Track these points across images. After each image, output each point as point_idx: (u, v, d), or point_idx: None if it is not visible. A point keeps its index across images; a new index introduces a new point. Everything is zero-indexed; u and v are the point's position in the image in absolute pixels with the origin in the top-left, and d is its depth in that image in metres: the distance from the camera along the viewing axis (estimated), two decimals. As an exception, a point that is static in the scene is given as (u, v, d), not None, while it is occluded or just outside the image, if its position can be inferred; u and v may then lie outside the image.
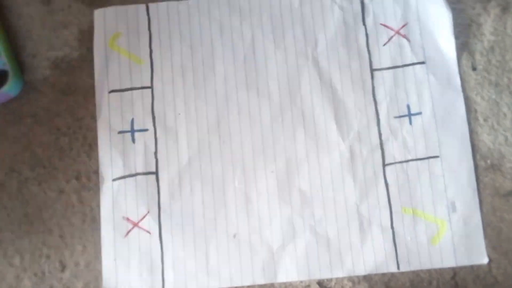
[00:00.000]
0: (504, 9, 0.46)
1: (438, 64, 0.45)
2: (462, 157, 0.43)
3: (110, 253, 0.42)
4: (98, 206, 0.42)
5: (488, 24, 0.46)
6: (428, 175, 0.43)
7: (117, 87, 0.44)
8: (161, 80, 0.45)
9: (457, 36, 0.45)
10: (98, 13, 0.45)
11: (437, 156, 0.43)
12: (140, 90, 0.44)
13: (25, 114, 0.44)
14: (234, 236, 0.42)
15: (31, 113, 0.44)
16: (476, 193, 0.43)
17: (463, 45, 0.46)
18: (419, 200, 0.42)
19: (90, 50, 0.45)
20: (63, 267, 0.42)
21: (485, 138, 0.44)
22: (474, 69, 0.45)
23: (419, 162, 0.43)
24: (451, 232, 0.42)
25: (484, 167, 0.44)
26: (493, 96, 0.45)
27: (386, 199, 0.42)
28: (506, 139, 0.44)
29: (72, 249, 0.42)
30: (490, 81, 0.45)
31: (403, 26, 0.45)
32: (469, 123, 0.44)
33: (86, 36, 0.45)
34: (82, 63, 0.45)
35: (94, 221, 0.42)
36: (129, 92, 0.44)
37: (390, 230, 0.42)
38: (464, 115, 0.44)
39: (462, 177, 0.43)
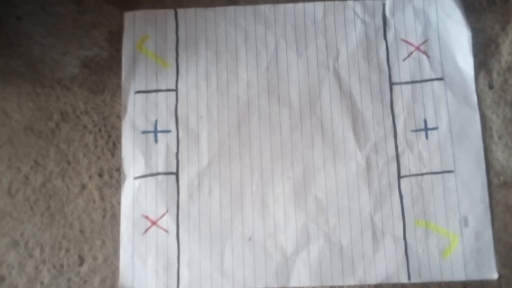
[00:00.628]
0: (522, 31, 0.46)
1: (456, 81, 0.45)
2: (476, 173, 0.43)
3: (128, 250, 0.42)
4: (119, 203, 0.42)
5: (506, 44, 0.46)
6: (442, 189, 0.42)
7: (143, 88, 0.45)
8: (186, 83, 0.45)
9: (475, 55, 0.45)
10: (128, 16, 0.46)
11: (451, 171, 0.43)
12: (165, 92, 0.44)
13: (52, 110, 0.44)
14: (250, 239, 0.42)
15: (59, 109, 0.44)
16: (488, 209, 0.42)
17: (481, 64, 0.45)
18: (432, 213, 0.42)
19: (118, 51, 0.45)
20: (81, 261, 0.42)
21: (499, 155, 0.44)
22: (491, 87, 0.45)
23: (433, 176, 0.42)
24: (463, 246, 0.41)
25: (497, 184, 0.43)
26: (509, 115, 0.45)
27: (400, 211, 0.42)
28: (519, 157, 0.44)
29: (91, 244, 0.42)
30: (506, 101, 0.45)
31: (424, 42, 0.45)
32: (484, 141, 0.44)
33: (116, 38, 0.46)
34: (110, 63, 0.45)
35: (114, 217, 0.42)
36: (154, 93, 0.44)
37: (403, 241, 0.42)
38: (479, 132, 0.44)
39: (476, 192, 0.43)
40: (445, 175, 0.43)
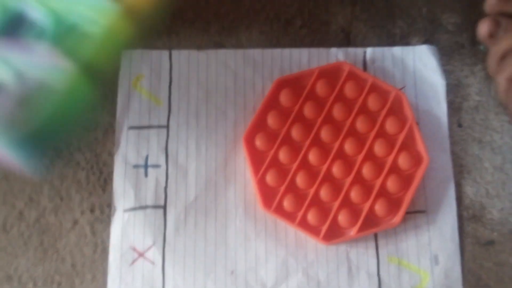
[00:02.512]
0: (490, 73, 0.45)
1: (430, 126, 0.45)
2: (447, 213, 0.43)
3: (115, 280, 0.41)
4: (109, 237, 0.41)
5: (474, 85, 0.46)
6: (414, 228, 0.42)
7: (136, 124, 0.44)
8: (177, 121, 0.44)
9: (446, 96, 0.45)
10: (125, 54, 0.45)
11: (423, 211, 0.42)
12: (156, 129, 0.44)
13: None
14: (232, 272, 0.41)
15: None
16: (458, 248, 0.42)
17: (451, 103, 0.45)
18: (405, 251, 0.42)
19: (111, 90, 0.44)
20: (73, 294, 0.40)
21: (468, 190, 0.44)
22: (459, 126, 0.45)
23: (406, 215, 0.41)
24: (433, 284, 0.41)
25: (466, 217, 0.43)
26: (476, 152, 0.45)
27: (374, 248, 0.42)
28: (487, 192, 0.44)
29: (82, 278, 0.41)
30: (474, 138, 0.45)
31: (401, 88, 0.44)
32: (454, 176, 0.44)
33: (109, 77, 0.44)
34: (103, 102, 0.44)
35: (104, 251, 0.41)
36: (147, 129, 0.44)
37: (376, 277, 0.41)
38: (451, 175, 0.44)
39: (446, 232, 0.43)
40: (417, 215, 0.42)
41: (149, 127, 0.44)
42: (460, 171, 0.44)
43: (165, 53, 0.45)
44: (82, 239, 0.41)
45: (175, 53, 0.45)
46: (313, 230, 0.41)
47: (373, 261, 0.41)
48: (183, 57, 0.45)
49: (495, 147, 0.44)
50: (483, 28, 0.35)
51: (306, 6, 0.47)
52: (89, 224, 0.42)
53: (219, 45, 0.46)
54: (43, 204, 0.42)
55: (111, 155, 0.43)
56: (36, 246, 0.41)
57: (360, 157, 0.42)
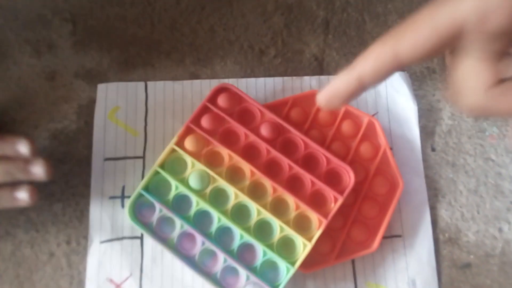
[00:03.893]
0: (463, 96, 0.45)
1: (403, 151, 0.44)
2: (423, 238, 0.42)
3: (92, 312, 0.39)
4: (85, 269, 0.40)
5: (446, 109, 0.46)
6: (392, 253, 0.40)
7: (112, 156, 0.43)
8: (153, 151, 0.43)
9: (418, 120, 0.45)
10: (101, 87, 0.44)
11: (399, 235, 0.41)
12: (133, 160, 0.43)
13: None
14: (210, 302, 0.39)
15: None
16: (435, 271, 0.41)
17: (424, 128, 0.45)
18: (382, 276, 0.41)
19: (87, 123, 0.44)
20: (48, 327, 0.38)
21: (443, 213, 0.43)
22: (433, 150, 0.45)
23: (383, 240, 0.40)
24: None
25: (443, 240, 0.42)
26: (450, 175, 0.44)
27: (352, 274, 0.40)
28: (463, 214, 0.43)
29: None
30: (448, 161, 0.45)
31: (374, 114, 0.44)
32: (429, 199, 0.43)
33: (84, 111, 0.44)
34: (79, 134, 0.43)
35: (80, 284, 0.40)
36: (123, 160, 0.43)
37: (355, 303, 0.39)
38: (426, 199, 0.43)
39: (423, 255, 0.42)
40: (394, 239, 0.41)
41: (125, 158, 0.43)
42: (435, 194, 0.43)
43: (140, 85, 0.45)
44: (58, 271, 0.40)
45: (150, 84, 0.45)
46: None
47: (351, 286, 0.40)
48: (158, 87, 0.45)
49: (469, 170, 0.44)
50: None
51: (279, 35, 0.47)
52: (65, 256, 0.40)
53: (194, 76, 0.45)
54: (19, 237, 0.41)
55: (87, 186, 0.42)
56: (11, 280, 0.40)
57: (335, 184, 0.42)
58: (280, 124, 0.42)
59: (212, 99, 0.42)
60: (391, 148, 0.43)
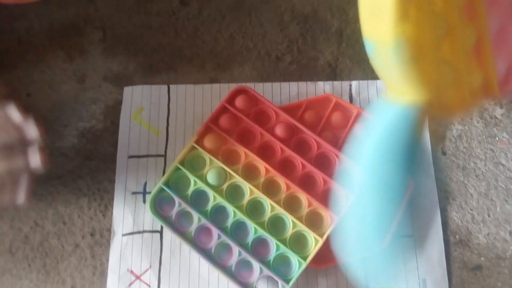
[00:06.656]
0: (472, 103, 0.43)
1: None
2: (434, 238, 0.40)
3: (113, 302, 0.39)
4: (107, 260, 0.40)
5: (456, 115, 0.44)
6: (402, 252, 0.39)
7: (136, 153, 0.43)
8: (174, 149, 0.43)
9: (429, 124, 0.43)
10: (127, 90, 0.45)
11: (410, 235, 0.39)
12: (154, 158, 0.43)
13: (52, 176, 0.42)
14: (225, 295, 0.38)
15: (58, 175, 0.42)
16: (445, 272, 0.39)
17: (434, 132, 0.44)
18: (393, 275, 0.38)
19: (113, 123, 0.44)
20: (71, 315, 0.38)
21: (454, 215, 0.41)
22: (444, 153, 0.43)
23: (393, 240, 0.38)
24: None
25: (453, 242, 0.41)
26: (461, 178, 0.42)
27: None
28: (473, 217, 0.41)
29: None
30: (458, 165, 0.43)
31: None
32: (440, 201, 0.41)
33: (111, 111, 0.44)
34: (105, 133, 0.44)
35: (103, 274, 0.40)
36: (145, 158, 0.43)
37: (365, 301, 0.38)
38: (436, 201, 0.41)
39: (433, 256, 0.40)
40: (404, 239, 0.39)
41: (148, 156, 0.42)
42: (445, 197, 0.41)
43: (163, 88, 0.45)
44: (83, 261, 0.40)
45: (173, 87, 0.45)
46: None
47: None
48: (180, 90, 0.44)
49: (479, 173, 0.42)
50: None
51: (295, 43, 0.46)
52: (89, 248, 0.40)
53: (214, 80, 0.45)
54: (47, 228, 0.41)
55: (111, 182, 0.42)
56: (39, 268, 0.40)
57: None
58: (294, 125, 0.41)
59: (230, 100, 0.42)
60: (402, 151, 0.42)
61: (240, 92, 0.42)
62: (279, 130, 0.41)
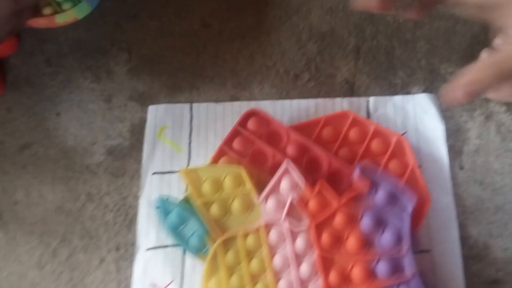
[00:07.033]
0: (488, 117, 0.45)
1: (432, 169, 0.43)
2: (451, 252, 0.40)
3: (138, 315, 0.39)
4: (132, 274, 0.40)
5: (474, 129, 0.44)
6: (421, 267, 0.39)
7: (159, 170, 0.44)
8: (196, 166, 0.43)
9: (447, 139, 0.43)
10: (151, 109, 0.46)
11: (428, 250, 0.39)
12: (177, 174, 0.43)
13: (80, 192, 0.44)
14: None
15: (86, 191, 0.44)
16: (463, 287, 0.39)
17: (452, 147, 0.44)
18: None
19: (138, 140, 0.45)
20: (97, 328, 0.39)
21: (471, 230, 0.41)
22: (461, 168, 0.43)
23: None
24: None
25: (471, 257, 0.41)
26: (479, 193, 0.42)
27: (382, 287, 0.38)
28: (490, 232, 0.41)
29: None
30: (476, 180, 0.43)
31: (403, 134, 0.43)
32: (458, 216, 0.41)
33: (137, 129, 0.45)
34: (131, 151, 0.45)
35: None
36: (169, 174, 0.44)
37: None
38: (454, 216, 0.41)
39: (451, 271, 0.40)
40: (423, 254, 0.39)
41: (171, 172, 0.43)
42: (463, 211, 0.41)
43: (186, 106, 0.46)
44: (108, 275, 0.41)
45: (195, 105, 0.46)
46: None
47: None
48: (202, 109, 0.46)
49: (497, 188, 0.42)
50: None
51: (313, 61, 0.47)
52: (114, 262, 0.41)
53: (234, 98, 0.46)
54: (74, 243, 0.42)
55: (136, 198, 0.43)
56: (66, 282, 0.41)
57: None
58: (305, 144, 0.42)
59: (243, 122, 0.43)
60: (419, 166, 0.42)
61: (251, 114, 0.43)
62: (290, 150, 0.42)
